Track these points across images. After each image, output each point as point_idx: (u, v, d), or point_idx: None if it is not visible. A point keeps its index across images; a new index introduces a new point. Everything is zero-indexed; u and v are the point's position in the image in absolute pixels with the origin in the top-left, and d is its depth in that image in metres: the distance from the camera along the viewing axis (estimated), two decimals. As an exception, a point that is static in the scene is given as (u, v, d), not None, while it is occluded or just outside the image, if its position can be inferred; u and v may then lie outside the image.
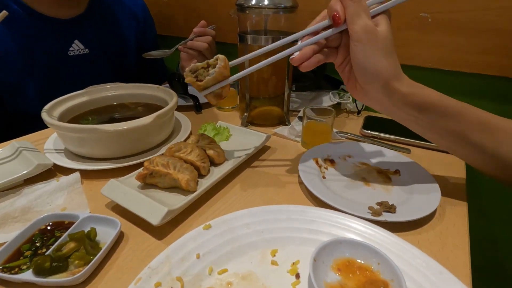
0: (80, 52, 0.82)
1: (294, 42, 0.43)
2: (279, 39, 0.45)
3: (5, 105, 0.78)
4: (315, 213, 0.40)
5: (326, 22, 0.41)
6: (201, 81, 0.43)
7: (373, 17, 0.40)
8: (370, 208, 0.41)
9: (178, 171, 0.43)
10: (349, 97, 0.79)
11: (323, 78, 0.83)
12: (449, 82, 0.77)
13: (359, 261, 0.33)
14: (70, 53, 0.81)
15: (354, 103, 0.79)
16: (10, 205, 0.43)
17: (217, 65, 0.42)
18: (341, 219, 0.39)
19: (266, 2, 0.60)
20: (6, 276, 0.32)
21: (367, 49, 0.39)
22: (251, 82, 0.69)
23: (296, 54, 0.41)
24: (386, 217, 0.40)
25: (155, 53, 0.84)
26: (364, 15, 0.38)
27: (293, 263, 0.34)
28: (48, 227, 0.39)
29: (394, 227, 0.40)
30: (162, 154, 0.49)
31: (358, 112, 0.79)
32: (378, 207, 0.42)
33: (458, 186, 0.51)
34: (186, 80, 0.43)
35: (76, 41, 0.81)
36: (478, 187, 0.81)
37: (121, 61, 0.93)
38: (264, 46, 0.58)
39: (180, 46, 0.87)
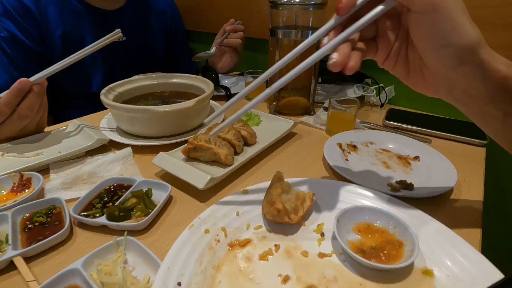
0: (119, 39, 0.92)
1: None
2: (307, 34, 0.47)
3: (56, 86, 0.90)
4: (338, 185, 0.45)
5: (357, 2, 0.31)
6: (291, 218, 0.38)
7: None
8: (389, 185, 0.45)
9: (218, 147, 0.50)
10: (373, 90, 0.82)
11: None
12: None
13: (377, 224, 0.38)
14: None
15: (378, 96, 0.82)
16: (79, 170, 0.52)
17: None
18: (362, 191, 0.43)
19: (297, 0, 0.66)
20: (87, 220, 0.40)
21: (443, 16, 0.27)
22: (280, 75, 0.75)
23: (335, 57, 0.31)
24: (404, 193, 0.44)
25: (201, 55, 0.94)
26: None
27: (319, 224, 0.40)
28: (112, 188, 0.47)
29: (411, 204, 0.44)
30: (203, 133, 0.56)
31: (382, 105, 0.82)
32: (397, 185, 0.46)
33: (475, 171, 0.53)
34: None
35: (117, 30, 0.92)
36: (497, 178, 0.82)
37: (149, 51, 1.05)
38: (294, 39, 0.63)
39: (217, 46, 0.96)
